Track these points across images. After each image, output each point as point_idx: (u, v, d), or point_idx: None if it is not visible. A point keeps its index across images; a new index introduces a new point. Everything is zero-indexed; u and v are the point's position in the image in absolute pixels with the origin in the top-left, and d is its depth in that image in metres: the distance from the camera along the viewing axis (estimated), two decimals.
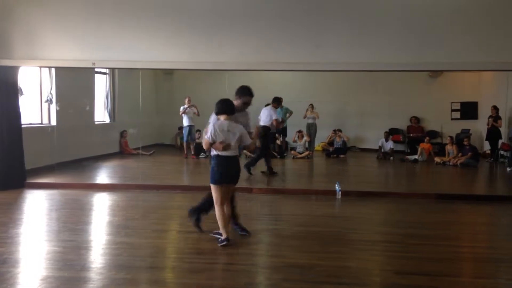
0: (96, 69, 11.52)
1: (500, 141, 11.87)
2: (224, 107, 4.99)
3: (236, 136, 4.93)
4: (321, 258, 4.67)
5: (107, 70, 12.36)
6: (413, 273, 4.27)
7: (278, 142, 13.20)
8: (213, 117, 5.12)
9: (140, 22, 7.88)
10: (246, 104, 5.41)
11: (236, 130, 4.95)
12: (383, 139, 13.42)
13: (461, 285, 4.09)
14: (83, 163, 10.75)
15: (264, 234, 5.56)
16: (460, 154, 11.92)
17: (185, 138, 12.37)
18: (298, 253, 4.87)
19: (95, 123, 12.22)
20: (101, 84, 12.48)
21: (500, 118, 11.67)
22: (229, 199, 5.19)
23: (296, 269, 4.43)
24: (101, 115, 12.59)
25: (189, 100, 12.11)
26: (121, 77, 12.88)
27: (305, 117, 13.36)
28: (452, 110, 14.00)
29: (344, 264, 4.52)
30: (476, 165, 11.51)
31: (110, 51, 7.91)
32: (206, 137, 4.94)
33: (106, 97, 12.68)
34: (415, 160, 12.51)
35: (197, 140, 12.61)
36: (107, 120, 12.80)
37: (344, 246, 5.10)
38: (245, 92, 5.40)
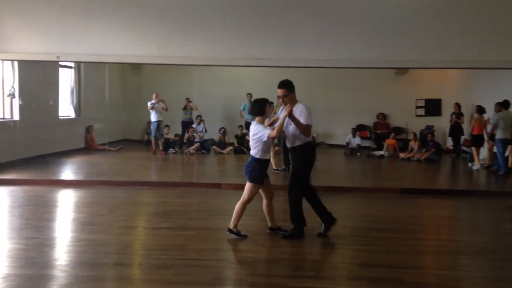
0: (61, 63, 11.24)
1: (462, 137, 12.25)
2: (251, 109, 5.16)
3: (251, 135, 5.00)
4: (288, 252, 4.73)
5: (72, 64, 12.07)
6: (377, 265, 4.37)
7: (247, 137, 13.19)
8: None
9: (108, 15, 7.75)
10: (279, 97, 5.25)
11: (251, 130, 5.02)
12: (351, 135, 13.63)
13: (423, 276, 4.21)
14: (47, 159, 10.47)
15: None
16: (424, 150, 12.23)
17: (153, 134, 12.20)
18: (265, 248, 4.92)
19: (60, 118, 11.91)
20: (66, 78, 12.18)
21: (462, 114, 12.03)
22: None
23: (263, 263, 4.47)
24: (66, 109, 12.29)
25: (156, 96, 11.95)
26: (87, 71, 12.60)
27: (274, 113, 13.38)
28: (417, 107, 14.37)
29: (311, 258, 4.59)
30: (439, 161, 11.84)
31: (75, 44, 7.74)
32: None
33: (72, 92, 12.38)
34: (381, 156, 12.77)
35: (165, 136, 12.48)
36: (72, 115, 12.50)
37: (311, 240, 5.16)
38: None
